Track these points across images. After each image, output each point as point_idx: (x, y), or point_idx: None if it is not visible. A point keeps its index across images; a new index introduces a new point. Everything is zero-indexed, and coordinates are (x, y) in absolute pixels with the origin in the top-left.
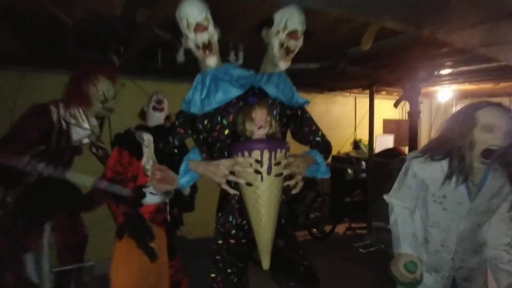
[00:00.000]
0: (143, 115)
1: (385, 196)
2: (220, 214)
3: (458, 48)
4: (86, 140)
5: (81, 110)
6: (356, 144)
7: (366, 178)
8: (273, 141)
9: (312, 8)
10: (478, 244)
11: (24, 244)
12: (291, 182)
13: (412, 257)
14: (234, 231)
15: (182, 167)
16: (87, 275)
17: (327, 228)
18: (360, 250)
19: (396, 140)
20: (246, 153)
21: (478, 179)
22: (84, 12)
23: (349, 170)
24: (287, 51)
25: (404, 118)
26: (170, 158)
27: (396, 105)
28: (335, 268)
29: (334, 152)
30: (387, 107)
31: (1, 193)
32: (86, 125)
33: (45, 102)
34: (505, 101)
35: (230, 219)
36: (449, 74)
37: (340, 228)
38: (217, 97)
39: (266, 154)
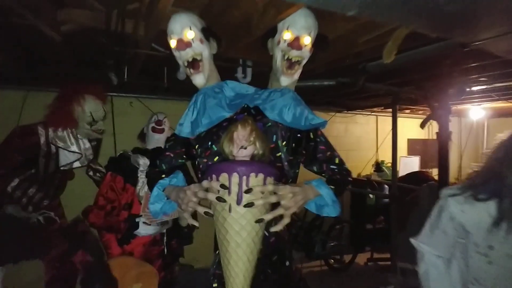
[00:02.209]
0: (142, 136)
1: (412, 240)
2: (217, 252)
3: (491, 62)
4: (76, 164)
5: (69, 132)
6: (378, 166)
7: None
8: (248, 164)
9: (322, 9)
10: None
11: None
12: (266, 217)
13: None
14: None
15: (153, 193)
16: None
17: (347, 258)
18: None
19: (422, 162)
20: (214, 177)
21: None
22: (70, 26)
23: (371, 195)
24: (290, 63)
25: (431, 137)
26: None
27: (423, 125)
28: None
29: (354, 174)
30: (411, 126)
31: None
32: (75, 148)
33: (34, 123)
34: None
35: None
36: (481, 91)
37: (361, 259)
38: (204, 120)
39: (235, 178)
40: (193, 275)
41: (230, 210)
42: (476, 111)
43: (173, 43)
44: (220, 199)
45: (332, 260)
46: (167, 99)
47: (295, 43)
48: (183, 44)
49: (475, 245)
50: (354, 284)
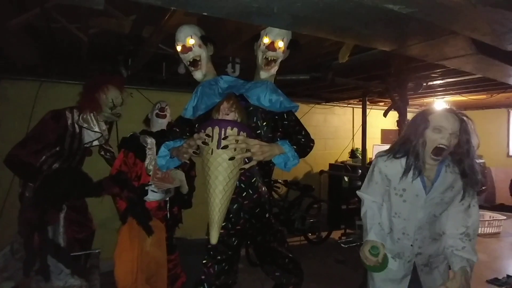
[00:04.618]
0: (147, 121)
1: (357, 192)
2: None
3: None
4: (96, 142)
5: (92, 116)
6: (353, 153)
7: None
8: (226, 121)
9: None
10: (436, 233)
11: (47, 218)
12: (236, 156)
13: (376, 243)
14: (224, 223)
15: (160, 149)
16: (95, 260)
17: (324, 234)
18: (342, 245)
19: None
20: (202, 130)
21: (432, 174)
22: (98, 30)
23: (346, 178)
24: (267, 61)
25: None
26: None
27: (385, 114)
28: (328, 270)
29: (331, 160)
30: (385, 118)
31: (20, 187)
32: (97, 129)
33: (62, 108)
34: (503, 112)
35: None
36: (441, 86)
37: (337, 234)
38: (201, 105)
39: (216, 130)
40: (187, 242)
41: (212, 153)
42: (439, 104)
43: (178, 48)
44: (204, 143)
45: (310, 235)
46: (164, 90)
47: (271, 46)
48: (186, 49)
49: (394, 189)
50: (328, 254)
